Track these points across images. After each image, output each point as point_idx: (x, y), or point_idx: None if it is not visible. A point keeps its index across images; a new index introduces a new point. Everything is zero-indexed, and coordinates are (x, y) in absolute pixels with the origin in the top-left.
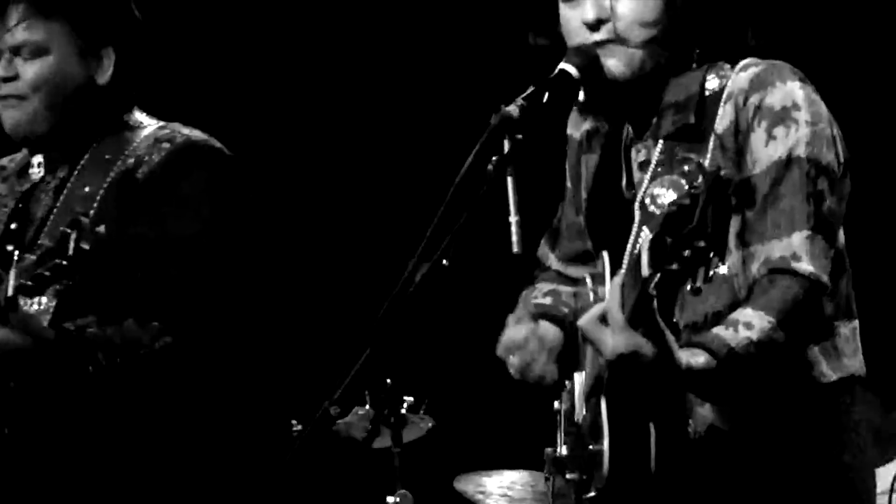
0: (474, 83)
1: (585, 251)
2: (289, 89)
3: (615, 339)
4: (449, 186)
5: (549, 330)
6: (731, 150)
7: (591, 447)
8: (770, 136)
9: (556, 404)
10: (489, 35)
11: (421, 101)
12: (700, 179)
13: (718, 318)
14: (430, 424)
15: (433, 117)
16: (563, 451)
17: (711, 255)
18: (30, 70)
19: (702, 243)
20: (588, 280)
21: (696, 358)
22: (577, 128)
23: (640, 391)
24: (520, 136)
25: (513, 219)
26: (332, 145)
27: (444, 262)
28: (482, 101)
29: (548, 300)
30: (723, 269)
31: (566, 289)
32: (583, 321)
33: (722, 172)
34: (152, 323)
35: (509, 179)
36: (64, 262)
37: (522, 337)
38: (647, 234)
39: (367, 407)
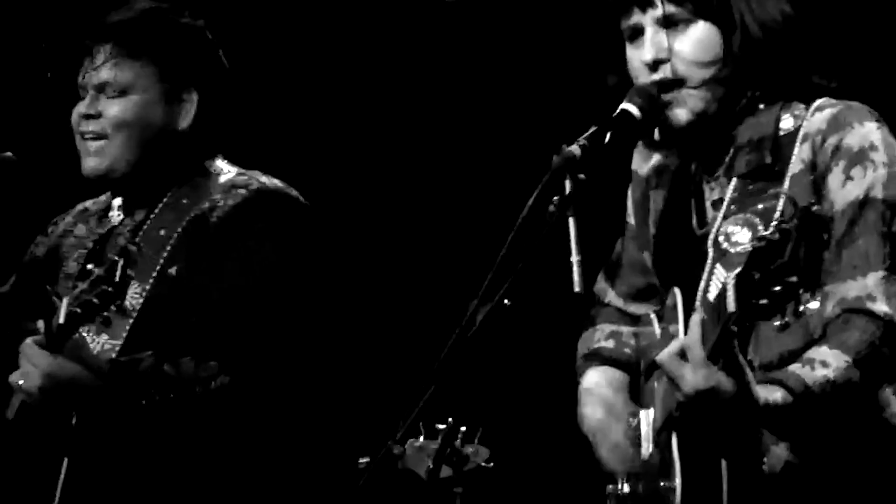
0: (538, 124)
1: (647, 287)
2: (353, 131)
3: (695, 376)
4: (511, 227)
5: (619, 391)
6: (807, 190)
7: (662, 484)
8: (847, 177)
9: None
10: (556, 75)
11: (485, 144)
12: (791, 214)
13: (793, 357)
14: (486, 455)
15: (497, 158)
16: (625, 488)
17: (801, 290)
18: (112, 109)
19: (794, 278)
20: (653, 317)
21: (773, 394)
22: (643, 163)
23: (714, 428)
24: (581, 176)
25: (574, 259)
26: (398, 187)
27: (506, 301)
28: (545, 142)
29: (610, 343)
30: (814, 305)
31: (627, 329)
32: (662, 356)
33: (814, 208)
34: (210, 363)
35: (571, 220)
36: (110, 289)
37: (598, 409)
38: (727, 271)
39: (422, 438)
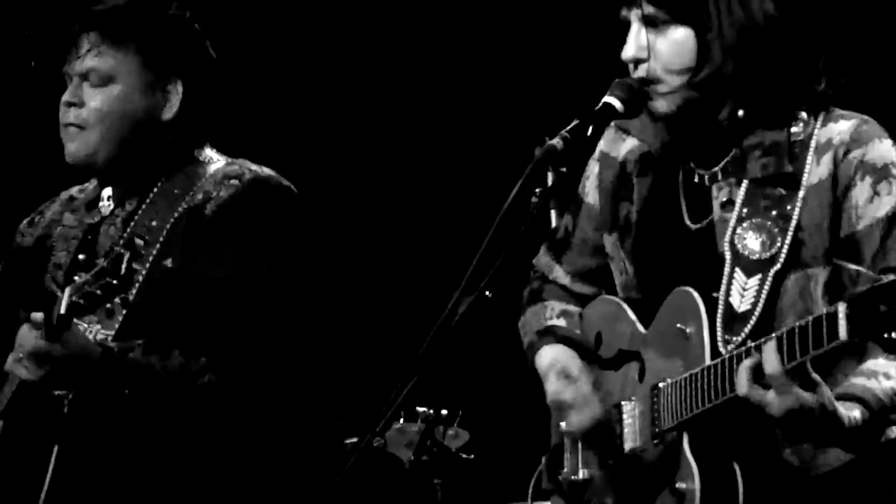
0: (520, 116)
1: (597, 268)
2: (336, 121)
3: (781, 400)
4: (493, 219)
5: (581, 376)
6: (826, 202)
7: (678, 486)
8: (875, 192)
9: (562, 425)
10: (538, 67)
11: (467, 135)
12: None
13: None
14: (466, 438)
15: (479, 150)
16: (581, 475)
17: None
18: (94, 98)
19: None
20: (623, 304)
21: (852, 412)
22: (614, 146)
23: (725, 430)
24: (564, 169)
25: None
26: (381, 178)
27: (488, 293)
28: (528, 134)
29: (562, 321)
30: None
31: (575, 308)
32: (741, 389)
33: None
34: (200, 358)
35: (553, 211)
36: (114, 282)
37: (573, 400)
38: (747, 276)
39: (402, 421)
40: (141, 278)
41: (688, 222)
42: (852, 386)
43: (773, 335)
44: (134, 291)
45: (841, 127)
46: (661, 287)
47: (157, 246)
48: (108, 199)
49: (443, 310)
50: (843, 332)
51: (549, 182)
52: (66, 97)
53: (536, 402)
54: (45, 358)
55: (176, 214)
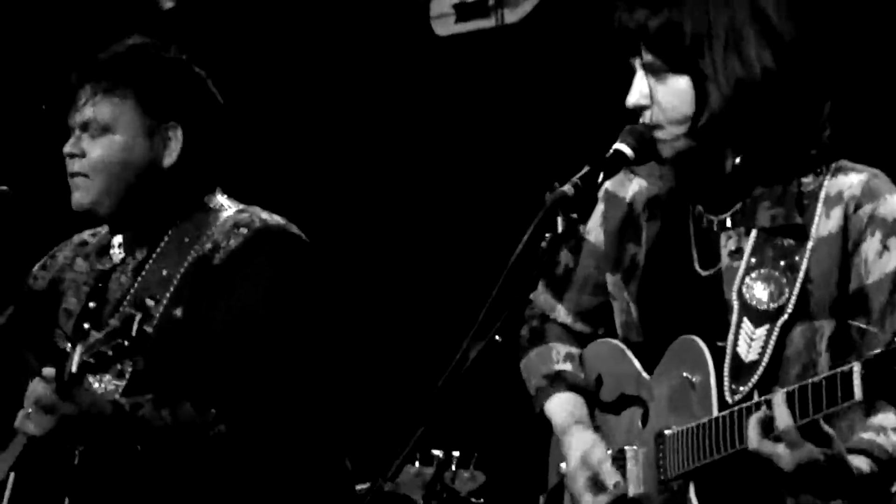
0: (530, 162)
1: (598, 307)
2: (349, 166)
3: (793, 455)
4: (503, 265)
5: (595, 447)
6: (835, 255)
7: None
8: (884, 247)
9: (562, 466)
10: (548, 113)
11: (477, 182)
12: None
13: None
14: (482, 480)
15: (490, 197)
16: None
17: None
18: (94, 149)
19: None
20: (623, 348)
21: (860, 464)
22: (621, 187)
23: (731, 479)
24: (574, 216)
25: None
26: (392, 224)
27: (498, 338)
28: (538, 180)
29: (569, 366)
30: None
31: (577, 351)
32: (753, 444)
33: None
34: (210, 410)
35: (562, 257)
36: (125, 343)
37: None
38: (754, 326)
39: (417, 465)
40: (152, 339)
41: (698, 268)
42: (861, 440)
43: (784, 389)
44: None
45: (851, 180)
46: (664, 331)
47: (168, 297)
48: (119, 247)
49: (454, 355)
50: (857, 391)
51: (560, 228)
52: (66, 148)
53: (546, 444)
54: (54, 414)
55: (186, 264)
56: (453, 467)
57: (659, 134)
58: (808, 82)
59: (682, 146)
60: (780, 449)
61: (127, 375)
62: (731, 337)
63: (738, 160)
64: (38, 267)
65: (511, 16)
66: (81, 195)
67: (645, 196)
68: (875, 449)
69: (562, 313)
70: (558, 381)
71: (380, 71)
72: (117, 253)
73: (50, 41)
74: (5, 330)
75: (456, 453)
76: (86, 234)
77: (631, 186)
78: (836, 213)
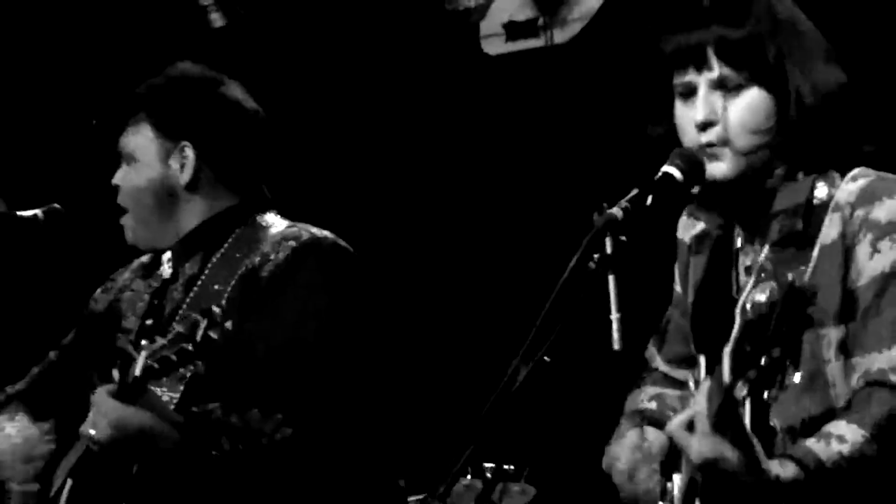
0: (580, 183)
1: (691, 355)
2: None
3: (700, 445)
4: (552, 286)
5: (654, 441)
6: (837, 262)
7: None
8: (875, 250)
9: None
10: (597, 135)
11: (527, 203)
12: (777, 289)
13: (815, 423)
14: (532, 493)
15: (539, 218)
16: None
17: (787, 363)
18: (125, 179)
19: (776, 352)
20: (691, 384)
21: (785, 469)
22: (686, 232)
23: (729, 497)
24: (623, 238)
25: (614, 316)
26: (440, 245)
27: (547, 359)
28: (588, 200)
29: (653, 405)
30: (796, 379)
31: (673, 392)
32: (671, 426)
33: (797, 283)
34: (276, 415)
35: (611, 278)
36: (190, 348)
37: (627, 452)
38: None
39: (469, 478)
40: (218, 344)
41: (734, 295)
42: (799, 447)
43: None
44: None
45: (856, 186)
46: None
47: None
48: (168, 263)
49: (504, 374)
50: (726, 374)
51: (608, 250)
52: (113, 180)
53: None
54: (118, 420)
55: (236, 278)
56: (504, 481)
57: (725, 151)
58: (861, 96)
59: (754, 160)
60: (692, 440)
61: (185, 383)
62: (726, 350)
63: (780, 171)
64: (99, 291)
65: (560, 35)
66: (125, 229)
67: (692, 234)
68: (807, 457)
69: (660, 362)
70: (635, 416)
71: (430, 90)
72: (167, 268)
73: (109, 62)
74: (69, 349)
75: (508, 467)
76: (144, 258)
77: (693, 230)
78: (836, 219)
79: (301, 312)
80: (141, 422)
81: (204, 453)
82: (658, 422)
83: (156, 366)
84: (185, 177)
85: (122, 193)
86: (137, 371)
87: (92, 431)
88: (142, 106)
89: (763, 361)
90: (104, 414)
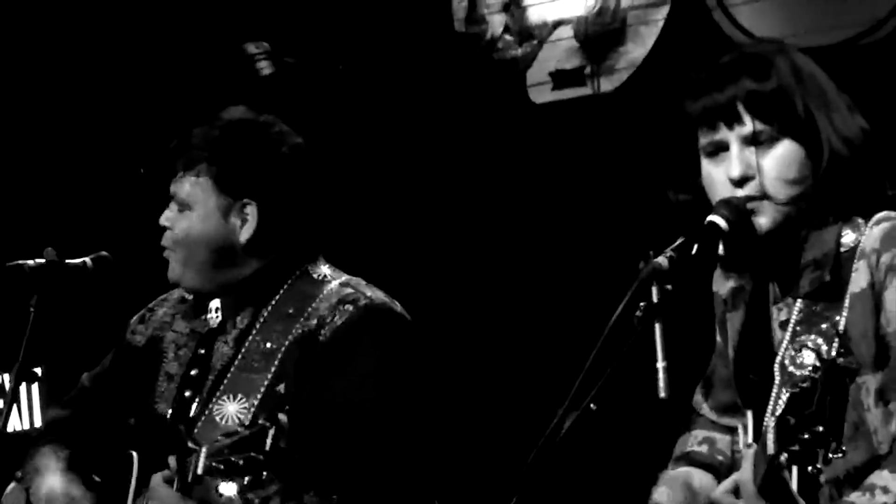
0: (624, 231)
1: (737, 404)
2: (440, 232)
3: None
4: (598, 334)
5: (704, 483)
6: (868, 309)
7: None
8: None
9: None
10: (641, 182)
11: (571, 250)
12: (817, 366)
13: (860, 472)
14: None
15: (582, 266)
16: None
17: (830, 439)
18: (177, 224)
19: (820, 428)
20: (740, 432)
21: None
22: (721, 285)
23: None
24: (668, 286)
25: (660, 365)
26: (483, 291)
27: (593, 406)
28: (629, 248)
29: (703, 448)
30: (839, 455)
31: (722, 436)
32: (716, 493)
33: (839, 361)
34: (332, 496)
35: (657, 326)
36: (260, 457)
37: (675, 492)
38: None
39: None
40: (251, 401)
41: (776, 350)
42: (841, 502)
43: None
44: (239, 415)
45: (877, 231)
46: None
47: (272, 372)
48: (216, 311)
49: (549, 423)
50: (770, 444)
51: (654, 297)
52: (161, 220)
53: None
54: None
55: (290, 338)
56: None
57: (765, 204)
58: (883, 144)
59: (793, 211)
60: None
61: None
62: (769, 409)
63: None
64: (137, 320)
65: (608, 84)
66: (170, 268)
67: (729, 289)
68: None
69: (707, 410)
70: (683, 459)
71: (478, 138)
72: (214, 317)
73: (155, 106)
74: (104, 378)
75: None
76: (186, 294)
77: (727, 284)
78: (863, 266)
79: (357, 383)
80: None
81: None
82: (708, 465)
83: (221, 467)
84: (244, 235)
85: (173, 237)
86: (199, 469)
87: None
88: (203, 158)
89: (806, 436)
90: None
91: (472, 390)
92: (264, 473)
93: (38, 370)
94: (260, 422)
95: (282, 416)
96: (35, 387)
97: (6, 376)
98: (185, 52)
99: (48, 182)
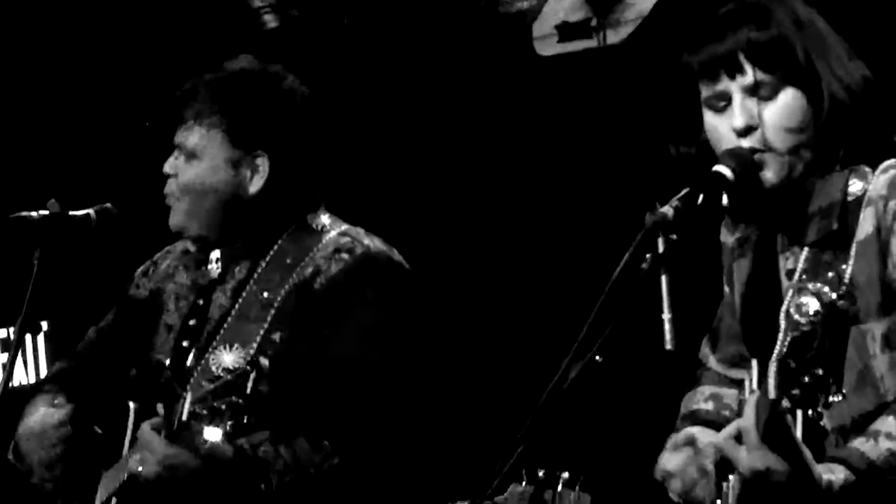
0: (630, 182)
1: (744, 355)
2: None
3: (750, 458)
4: (604, 285)
5: (708, 446)
6: (874, 256)
7: None
8: None
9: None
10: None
11: (576, 202)
12: (818, 309)
13: (866, 419)
14: (587, 501)
15: (589, 216)
16: None
17: (830, 381)
18: (183, 172)
19: (820, 371)
20: (746, 386)
21: (836, 474)
22: (728, 236)
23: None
24: (674, 237)
25: (666, 316)
26: (489, 241)
27: (598, 358)
28: (638, 199)
29: (710, 405)
30: (839, 398)
31: (729, 391)
32: (719, 438)
33: (839, 304)
34: (324, 442)
35: (663, 278)
36: (240, 401)
37: (680, 464)
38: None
39: (524, 484)
40: (246, 350)
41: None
42: (846, 449)
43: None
44: (236, 363)
45: (884, 178)
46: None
47: (268, 321)
48: (217, 262)
49: (555, 374)
50: (771, 389)
51: (660, 248)
52: (165, 167)
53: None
54: (166, 460)
55: (287, 287)
56: (559, 487)
57: (768, 155)
58: (887, 91)
59: (797, 161)
60: (741, 452)
61: (230, 415)
62: (773, 357)
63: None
64: (140, 273)
65: (614, 36)
66: (172, 216)
67: (734, 237)
68: (853, 457)
69: (714, 362)
70: (689, 418)
71: (483, 91)
72: (215, 268)
73: (159, 58)
74: (108, 332)
75: (564, 474)
76: (189, 245)
77: (735, 233)
78: (869, 214)
79: (352, 333)
80: (188, 463)
81: (252, 488)
82: (714, 423)
83: (204, 412)
84: (254, 187)
85: (178, 185)
86: (184, 415)
87: (139, 468)
88: (214, 108)
89: (807, 379)
90: (151, 452)
91: (475, 340)
92: (246, 418)
93: (43, 323)
94: (243, 367)
95: (263, 360)
96: (41, 339)
97: (11, 329)
98: (190, 3)
99: (51, 133)
